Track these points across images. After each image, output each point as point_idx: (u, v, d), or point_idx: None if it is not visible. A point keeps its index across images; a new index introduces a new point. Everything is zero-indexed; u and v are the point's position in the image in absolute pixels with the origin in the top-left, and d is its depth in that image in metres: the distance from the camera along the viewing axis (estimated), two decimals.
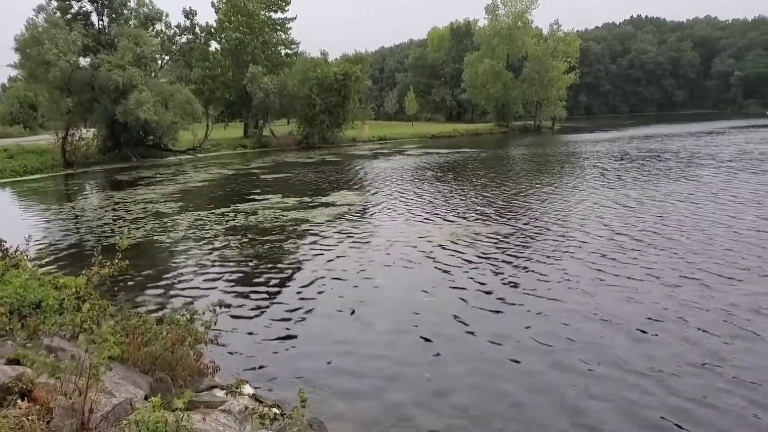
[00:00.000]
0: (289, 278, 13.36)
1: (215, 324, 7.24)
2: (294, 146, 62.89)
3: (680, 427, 6.70)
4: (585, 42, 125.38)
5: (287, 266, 14.47)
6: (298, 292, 12.22)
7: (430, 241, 16.43)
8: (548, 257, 14.30)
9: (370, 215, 21.26)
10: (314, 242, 16.90)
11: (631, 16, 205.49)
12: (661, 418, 6.89)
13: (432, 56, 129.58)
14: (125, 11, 52.81)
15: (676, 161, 35.94)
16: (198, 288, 12.69)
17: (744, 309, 10.17)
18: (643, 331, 9.42)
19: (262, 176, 36.31)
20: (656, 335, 9.26)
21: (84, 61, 48.30)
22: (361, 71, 65.03)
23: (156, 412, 3.79)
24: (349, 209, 22.43)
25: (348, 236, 17.51)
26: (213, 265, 14.59)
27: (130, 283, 12.90)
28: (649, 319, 9.94)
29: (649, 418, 6.90)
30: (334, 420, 6.95)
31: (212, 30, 66.30)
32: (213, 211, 22.98)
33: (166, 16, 56.17)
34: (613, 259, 13.80)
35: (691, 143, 50.67)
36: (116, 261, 6.79)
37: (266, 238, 17.62)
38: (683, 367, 8.08)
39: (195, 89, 58.34)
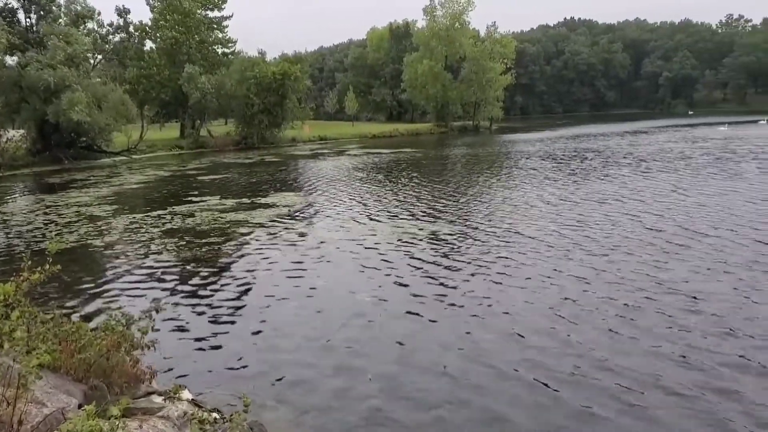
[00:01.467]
0: (228, 281, 13.20)
1: (152, 329, 7.09)
2: (232, 147, 62.17)
3: None
4: (520, 43, 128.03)
5: (226, 269, 14.29)
6: (238, 295, 12.10)
7: (371, 242, 16.49)
8: (483, 257, 14.55)
9: (311, 216, 21.18)
10: (254, 244, 16.74)
11: (565, 18, 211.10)
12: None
13: (372, 56, 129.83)
14: (54, 8, 51.12)
15: (600, 160, 36.85)
16: (134, 292, 12.40)
17: (645, 309, 10.45)
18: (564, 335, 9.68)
19: (200, 177, 35.73)
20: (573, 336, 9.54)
21: (11, 60, 46.57)
22: (300, 71, 64.74)
23: (89, 420, 3.70)
24: (290, 210, 22.30)
25: (288, 238, 17.41)
26: (150, 269, 14.28)
27: (63, 289, 12.52)
28: (554, 317, 10.27)
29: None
30: (275, 423, 6.93)
31: (147, 29, 64.78)
32: (149, 213, 22.49)
33: (98, 14, 54.69)
34: (540, 259, 14.17)
35: (615, 143, 52.10)
36: (47, 266, 6.57)
37: (204, 240, 17.36)
38: (575, 375, 8.14)
39: (129, 89, 56.95)
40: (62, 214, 22.88)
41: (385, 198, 24.68)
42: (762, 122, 73.82)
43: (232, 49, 71.64)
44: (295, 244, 16.48)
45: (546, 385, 7.79)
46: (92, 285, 13.14)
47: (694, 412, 7.00)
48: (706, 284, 11.60)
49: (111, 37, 60.43)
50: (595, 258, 13.87)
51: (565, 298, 11.06)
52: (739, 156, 35.99)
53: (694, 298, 10.83)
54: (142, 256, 15.60)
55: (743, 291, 11.12)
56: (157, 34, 64.51)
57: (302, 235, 17.78)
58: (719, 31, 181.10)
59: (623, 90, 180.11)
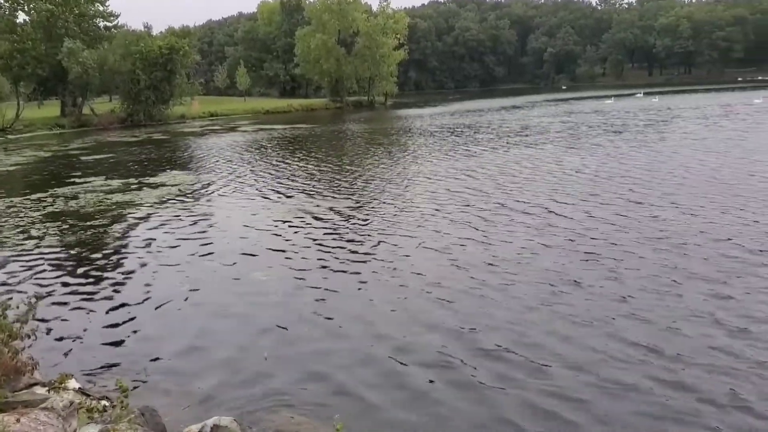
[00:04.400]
0: (116, 265, 12.85)
1: (33, 317, 6.84)
2: (117, 125, 59.73)
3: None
4: (412, 19, 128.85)
5: (113, 252, 13.91)
6: (127, 279, 11.83)
7: (267, 219, 16.49)
8: (379, 229, 14.87)
9: (203, 195, 20.82)
10: (142, 226, 16.36)
11: None
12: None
13: (263, 30, 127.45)
14: None
15: (468, 136, 37.03)
16: (13, 280, 11.86)
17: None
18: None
19: (83, 158, 34.16)
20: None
21: None
22: (188, 45, 62.93)
23: None
24: (180, 190, 21.79)
25: (179, 218, 17.08)
26: (30, 255, 13.66)
27: None
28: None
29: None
30: (168, 406, 6.83)
31: None
32: (28, 196, 21.38)
33: None
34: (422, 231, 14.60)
35: (489, 119, 52.38)
36: None
37: (89, 223, 16.74)
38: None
39: (1, 64, 53.18)
40: None
41: (278, 175, 24.58)
42: (638, 95, 78.32)
43: (114, 23, 68.26)
44: (185, 225, 16.22)
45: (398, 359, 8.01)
46: None
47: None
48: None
49: None
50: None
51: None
52: (599, 129, 37.61)
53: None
54: (21, 242, 14.89)
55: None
56: (30, 6, 60.47)
57: (193, 214, 17.49)
58: (598, 8, 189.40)
59: (511, 65, 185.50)
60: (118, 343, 8.81)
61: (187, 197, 20.38)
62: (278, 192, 20.73)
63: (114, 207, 19.00)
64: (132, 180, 24.55)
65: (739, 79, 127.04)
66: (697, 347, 7.85)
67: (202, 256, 13.19)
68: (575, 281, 10.45)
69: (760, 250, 11.59)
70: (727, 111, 46.02)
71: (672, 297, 9.55)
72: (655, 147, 27.70)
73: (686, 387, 6.92)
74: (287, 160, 29.45)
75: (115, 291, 11.10)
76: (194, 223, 16.31)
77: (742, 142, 27.56)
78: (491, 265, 11.57)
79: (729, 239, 12.46)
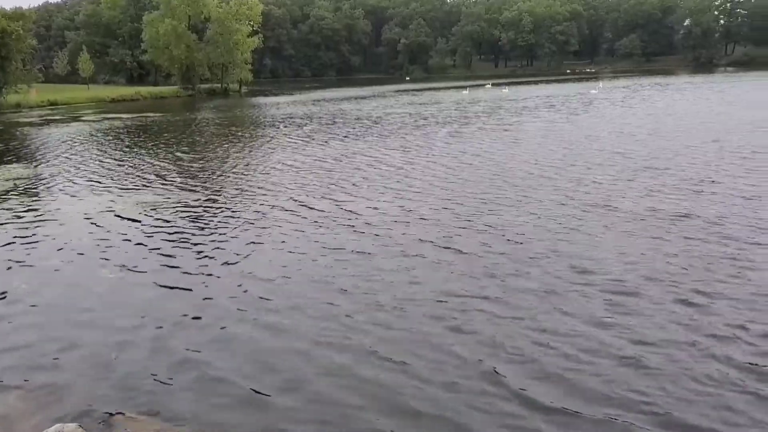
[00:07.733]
0: None
1: None
2: None
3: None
4: (266, 6, 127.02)
5: None
6: None
7: (113, 215, 16.06)
8: (234, 221, 15.04)
9: (42, 190, 20.03)
10: None
11: None
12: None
13: (107, 14, 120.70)
14: None
15: (310, 125, 38.02)
16: None
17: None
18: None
19: None
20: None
21: None
22: (22, 29, 58.96)
23: None
24: (16, 184, 20.76)
25: (15, 215, 16.37)
26: None
27: None
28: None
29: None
30: (4, 418, 6.66)
31: None
32: None
33: None
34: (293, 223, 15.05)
35: (332, 108, 52.57)
36: None
37: None
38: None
39: None
40: None
41: (124, 168, 24.00)
42: (488, 86, 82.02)
43: None
44: (22, 222, 15.56)
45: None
46: None
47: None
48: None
49: None
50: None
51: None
52: (430, 120, 39.01)
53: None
54: None
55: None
56: None
57: (31, 211, 16.80)
58: (448, 1, 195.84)
59: (366, 55, 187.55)
60: None
61: (25, 193, 19.48)
62: (124, 185, 20.29)
63: None
64: None
65: (568, 71, 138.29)
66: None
67: (42, 256, 12.62)
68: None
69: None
70: (555, 102, 49.19)
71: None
72: (471, 139, 28.53)
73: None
74: (134, 152, 28.66)
75: None
76: (33, 221, 15.67)
77: (552, 132, 29.62)
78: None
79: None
